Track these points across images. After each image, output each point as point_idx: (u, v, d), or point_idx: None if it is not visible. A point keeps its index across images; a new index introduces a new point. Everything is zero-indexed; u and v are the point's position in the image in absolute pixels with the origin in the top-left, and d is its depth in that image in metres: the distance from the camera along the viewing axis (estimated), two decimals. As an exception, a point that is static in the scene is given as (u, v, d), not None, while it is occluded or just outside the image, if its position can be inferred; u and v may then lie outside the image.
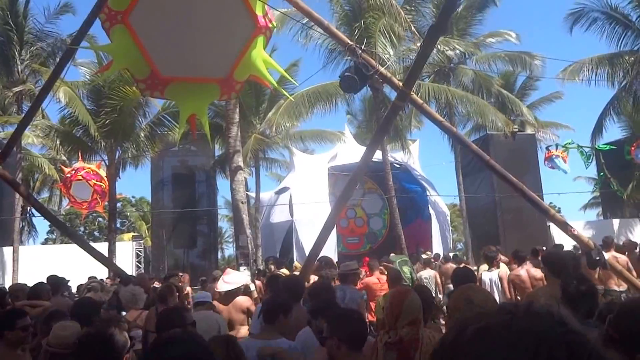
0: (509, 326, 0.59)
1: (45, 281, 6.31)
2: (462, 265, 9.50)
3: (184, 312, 3.42)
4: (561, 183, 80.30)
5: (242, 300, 5.31)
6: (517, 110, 20.46)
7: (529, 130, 20.97)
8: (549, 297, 3.20)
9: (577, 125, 36.76)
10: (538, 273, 5.91)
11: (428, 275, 9.87)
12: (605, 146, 17.62)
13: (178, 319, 3.17)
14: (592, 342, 0.58)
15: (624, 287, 6.70)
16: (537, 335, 0.57)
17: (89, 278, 9.50)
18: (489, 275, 7.41)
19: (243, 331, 5.00)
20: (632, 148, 17.75)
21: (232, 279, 5.60)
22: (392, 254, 11.05)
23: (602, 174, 18.50)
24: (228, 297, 5.30)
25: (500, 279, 7.06)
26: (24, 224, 27.08)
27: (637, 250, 9.19)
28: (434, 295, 9.65)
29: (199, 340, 1.46)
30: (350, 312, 2.60)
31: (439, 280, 9.97)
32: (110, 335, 2.11)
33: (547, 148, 17.71)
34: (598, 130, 19.24)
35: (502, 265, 7.62)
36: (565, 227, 6.39)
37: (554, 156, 17.00)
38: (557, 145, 17.58)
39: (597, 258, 6.03)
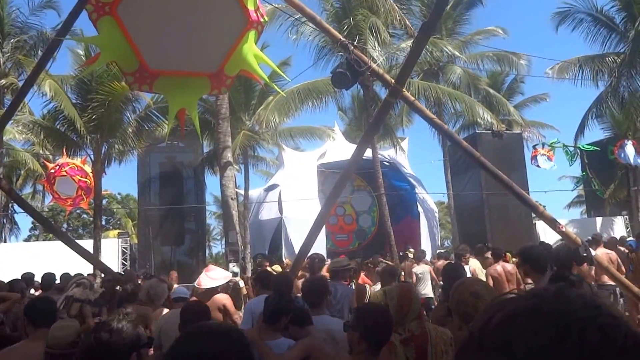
0: (539, 309, 0.56)
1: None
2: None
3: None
4: (547, 182, 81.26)
5: (220, 298, 5.24)
6: (504, 110, 20.66)
7: (516, 130, 21.19)
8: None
9: (561, 125, 37.42)
10: (510, 268, 7.16)
11: (422, 270, 9.93)
12: (589, 147, 17.89)
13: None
14: (627, 325, 0.55)
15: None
16: (568, 318, 0.54)
17: (75, 275, 9.37)
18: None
19: None
20: (615, 148, 18.03)
21: (217, 275, 5.53)
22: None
23: (584, 173, 18.78)
24: (208, 293, 5.23)
25: (471, 273, 7.85)
26: (5, 220, 26.66)
27: (622, 248, 9.35)
28: (431, 290, 9.81)
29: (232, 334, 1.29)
30: (379, 310, 2.52)
31: (434, 275, 10.02)
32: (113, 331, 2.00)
33: (533, 147, 17.93)
34: (581, 130, 19.52)
35: (471, 260, 8.55)
36: (553, 223, 6.45)
37: (539, 154, 17.21)
38: (543, 144, 17.81)
39: (585, 254, 6.10)
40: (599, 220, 20.59)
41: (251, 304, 4.74)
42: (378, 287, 6.72)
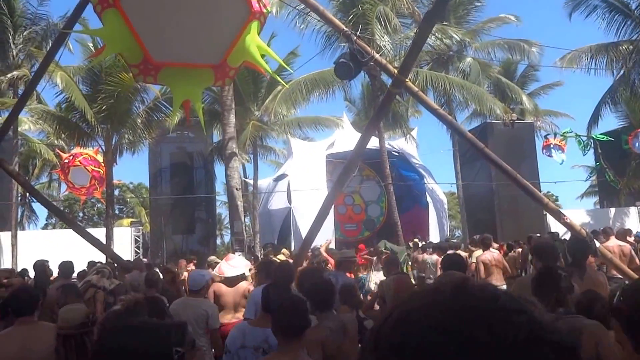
0: (433, 306, 0.54)
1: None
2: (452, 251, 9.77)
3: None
4: (559, 171, 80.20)
5: (245, 285, 5.43)
6: (517, 98, 20.42)
7: (528, 119, 20.95)
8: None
9: (576, 114, 36.67)
10: (497, 255, 7.92)
11: (433, 260, 10.10)
12: (602, 137, 17.60)
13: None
14: (526, 318, 0.52)
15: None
16: (461, 315, 0.52)
17: (89, 263, 9.57)
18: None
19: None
20: (630, 137, 17.73)
21: (237, 263, 5.70)
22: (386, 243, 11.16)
23: (598, 163, 18.51)
24: (232, 280, 5.37)
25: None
26: (24, 209, 27.18)
27: (632, 238, 9.25)
28: None
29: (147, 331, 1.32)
30: (289, 300, 2.59)
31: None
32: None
33: (545, 136, 17.70)
34: (594, 119, 19.21)
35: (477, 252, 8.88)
36: (558, 215, 6.42)
37: (551, 145, 16.99)
38: (555, 134, 17.57)
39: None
40: (612, 211, 20.35)
41: (255, 293, 4.84)
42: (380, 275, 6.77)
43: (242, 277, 5.53)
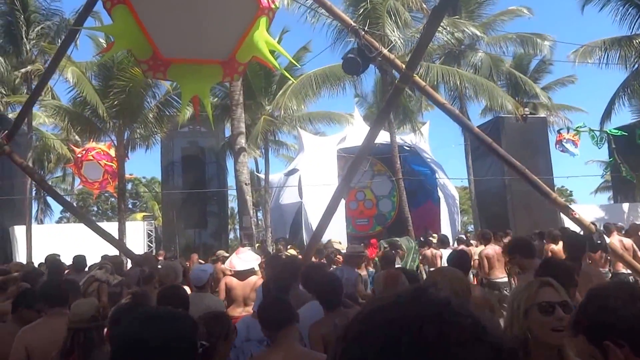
0: (394, 307, 0.63)
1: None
2: (460, 247, 9.86)
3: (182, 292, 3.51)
4: (572, 166, 79.25)
5: (254, 279, 5.50)
6: (532, 92, 20.19)
7: (541, 114, 20.70)
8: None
9: (589, 109, 35.96)
10: (498, 249, 8.13)
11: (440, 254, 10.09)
12: (616, 131, 17.34)
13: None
14: (471, 320, 0.61)
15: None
16: (413, 315, 0.61)
17: (102, 257, 9.70)
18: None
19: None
20: (644, 132, 17.46)
21: (248, 257, 5.74)
22: (395, 238, 11.14)
23: (612, 158, 18.25)
24: (243, 274, 5.45)
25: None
26: (39, 203, 27.66)
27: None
28: None
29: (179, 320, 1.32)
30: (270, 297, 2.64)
31: None
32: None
33: (558, 131, 17.51)
34: (607, 114, 18.90)
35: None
36: (566, 210, 6.37)
37: (564, 139, 16.79)
38: (568, 129, 17.36)
39: (599, 242, 6.01)
40: (625, 206, 20.07)
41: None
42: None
43: (252, 271, 5.57)
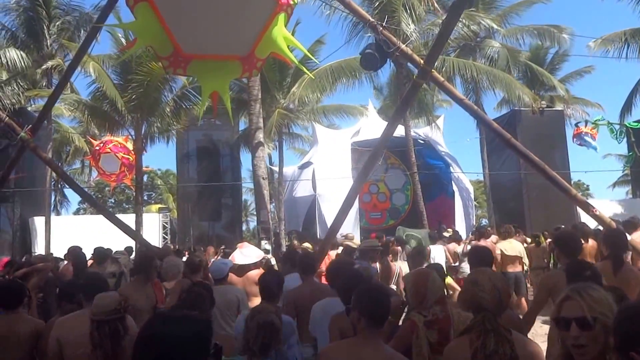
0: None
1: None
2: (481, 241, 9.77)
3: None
4: (590, 160, 78.08)
5: (255, 273, 5.47)
6: (549, 83, 19.93)
7: (558, 107, 20.44)
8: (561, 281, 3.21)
9: (607, 102, 35.41)
10: (490, 244, 8.20)
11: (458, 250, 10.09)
12: (636, 124, 17.04)
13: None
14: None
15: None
16: None
17: (126, 248, 9.86)
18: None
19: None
20: (664, 125, 17.12)
21: (250, 252, 5.76)
22: (398, 227, 11.13)
23: (631, 153, 17.96)
24: (243, 269, 5.47)
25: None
26: (57, 194, 28.08)
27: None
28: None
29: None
30: (376, 288, 2.61)
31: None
32: None
33: (576, 125, 17.24)
34: (627, 107, 18.59)
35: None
36: (586, 207, 6.33)
37: (582, 133, 16.55)
38: (586, 122, 17.09)
39: (619, 239, 5.96)
40: (644, 200, 19.85)
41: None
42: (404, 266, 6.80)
43: (253, 266, 5.58)
